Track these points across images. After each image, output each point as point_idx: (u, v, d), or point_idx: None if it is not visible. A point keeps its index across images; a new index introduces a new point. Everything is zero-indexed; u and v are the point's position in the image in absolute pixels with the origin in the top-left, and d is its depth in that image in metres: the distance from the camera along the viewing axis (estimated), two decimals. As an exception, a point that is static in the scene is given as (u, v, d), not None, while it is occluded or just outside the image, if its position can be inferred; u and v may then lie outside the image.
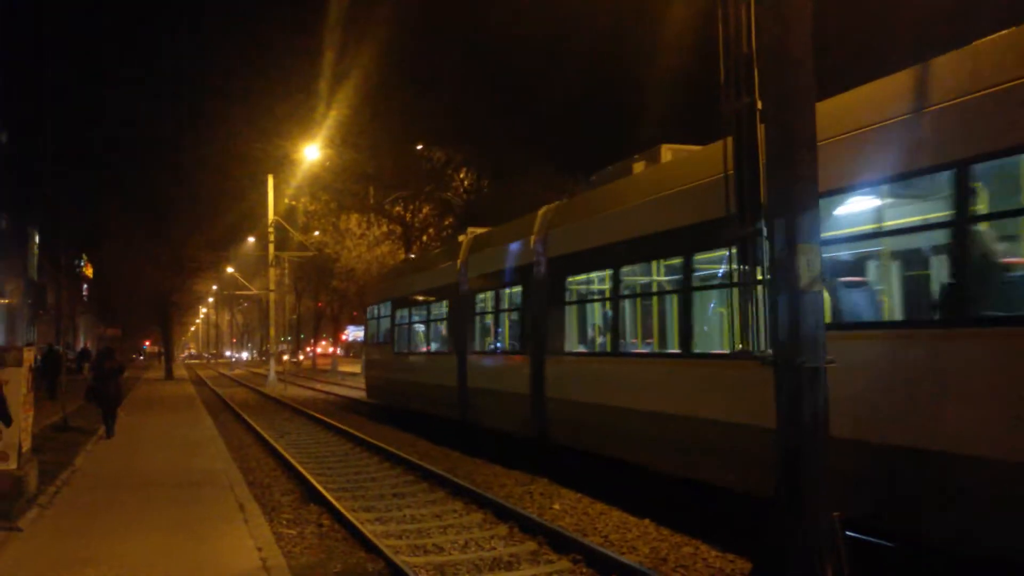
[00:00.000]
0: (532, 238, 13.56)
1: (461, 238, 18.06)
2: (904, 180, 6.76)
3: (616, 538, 8.39)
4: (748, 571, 6.55)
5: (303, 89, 30.59)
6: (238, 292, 69.02)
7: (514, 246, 14.30)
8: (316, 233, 41.66)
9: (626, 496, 10.33)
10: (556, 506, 9.98)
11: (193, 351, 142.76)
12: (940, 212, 6.58)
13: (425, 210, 34.44)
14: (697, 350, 9.35)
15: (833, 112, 7.26)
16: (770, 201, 5.91)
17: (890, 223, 7.33)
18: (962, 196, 6.07)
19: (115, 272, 49.88)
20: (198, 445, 15.49)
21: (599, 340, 12.32)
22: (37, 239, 63.56)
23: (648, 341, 11.47)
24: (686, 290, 9.49)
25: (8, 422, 9.60)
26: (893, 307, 7.59)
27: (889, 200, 7.27)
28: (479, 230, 17.59)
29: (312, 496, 10.81)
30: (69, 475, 11.63)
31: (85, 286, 65.11)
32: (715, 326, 9.94)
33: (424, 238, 34.61)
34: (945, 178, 6.26)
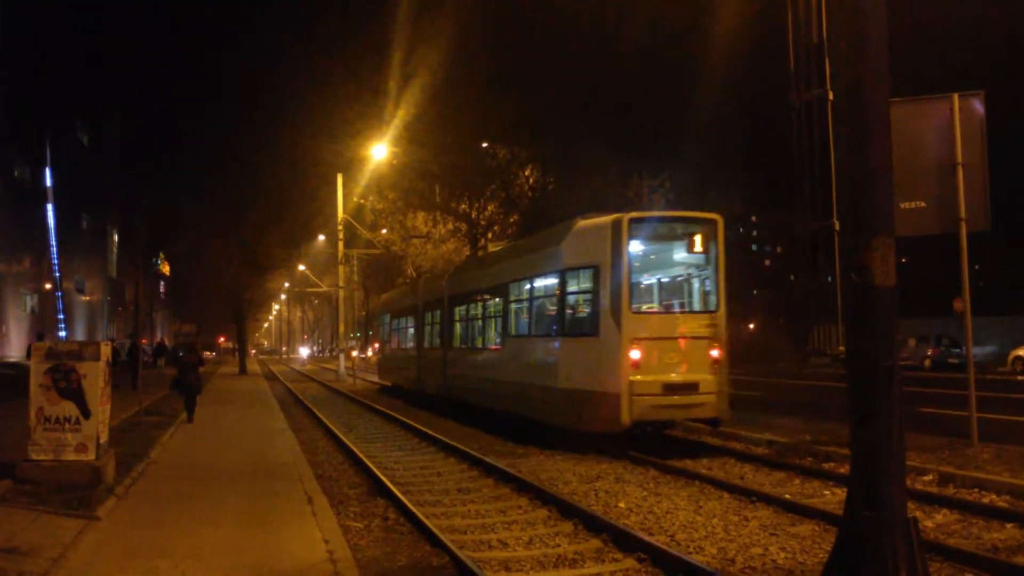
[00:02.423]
0: (442, 282, 23.50)
1: (424, 276, 29.55)
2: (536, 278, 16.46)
3: (683, 538, 8.27)
4: (820, 572, 6.38)
5: (372, 88, 30.93)
6: (309, 289, 70.33)
7: (437, 285, 24.22)
8: (384, 231, 42.12)
9: (694, 496, 10.22)
10: (621, 504, 9.89)
11: (266, 345, 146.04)
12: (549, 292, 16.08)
13: (490, 208, 34.41)
14: (490, 345, 19.22)
15: (506, 251, 19.91)
16: (841, 195, 5.74)
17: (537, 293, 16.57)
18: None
19: (191, 270, 51.28)
20: (269, 438, 15.81)
21: (461, 339, 21.55)
22: (116, 238, 65.75)
23: (477, 340, 20.39)
24: (483, 318, 19.80)
25: (87, 414, 9.95)
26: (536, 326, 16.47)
27: (533, 284, 16.62)
28: (432, 272, 29.40)
29: (378, 490, 10.93)
30: (145, 466, 11.95)
31: (162, 283, 67.05)
32: (492, 333, 19.05)
33: (489, 236, 34.60)
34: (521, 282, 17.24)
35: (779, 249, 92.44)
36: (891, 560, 5.24)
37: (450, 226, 36.28)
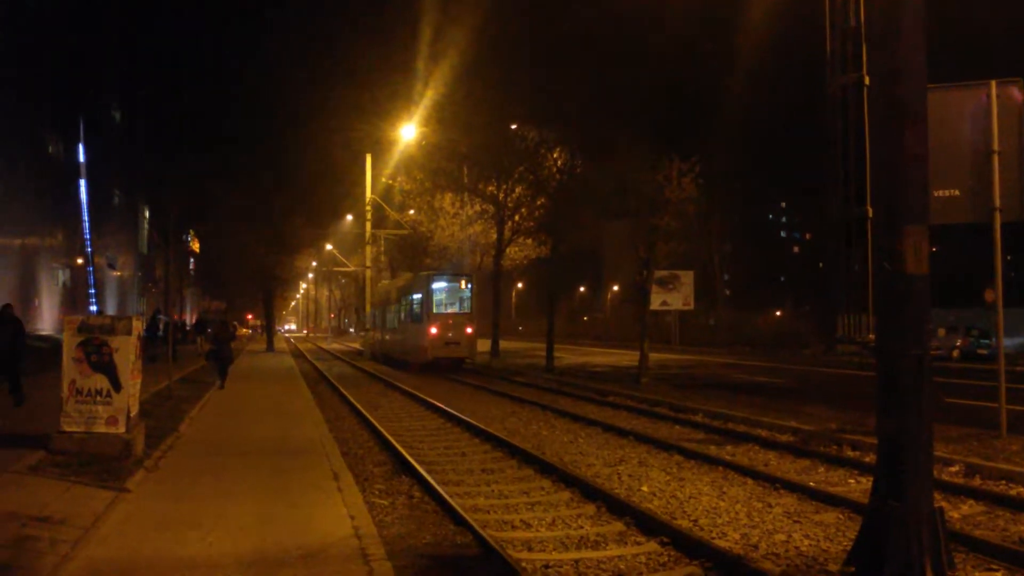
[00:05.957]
0: (392, 290, 39.99)
1: (391, 283, 43.10)
2: (412, 295, 34.36)
3: (706, 523, 8.28)
4: (843, 560, 6.37)
5: (401, 69, 31.08)
6: (336, 268, 70.69)
7: (390, 292, 40.25)
8: (411, 212, 42.16)
9: (717, 482, 10.21)
10: (644, 488, 9.90)
11: (293, 325, 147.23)
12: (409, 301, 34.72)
13: (518, 190, 34.24)
14: (397, 326, 37.10)
15: (400, 281, 39.94)
16: (876, 181, 5.68)
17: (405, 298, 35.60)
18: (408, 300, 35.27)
19: (221, 248, 51.66)
20: (296, 415, 15.97)
21: (391, 323, 38.43)
22: (147, 215, 66.39)
23: (395, 324, 37.91)
24: (397, 312, 37.23)
25: (118, 388, 10.10)
26: (405, 315, 35.52)
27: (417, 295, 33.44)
28: (405, 275, 40.26)
29: (404, 468, 11.02)
30: (174, 440, 12.12)
31: (192, 260, 67.56)
32: (398, 321, 36.72)
33: (516, 218, 34.47)
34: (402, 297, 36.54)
35: (808, 236, 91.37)
36: (916, 550, 5.23)
37: (478, 208, 36.24)
